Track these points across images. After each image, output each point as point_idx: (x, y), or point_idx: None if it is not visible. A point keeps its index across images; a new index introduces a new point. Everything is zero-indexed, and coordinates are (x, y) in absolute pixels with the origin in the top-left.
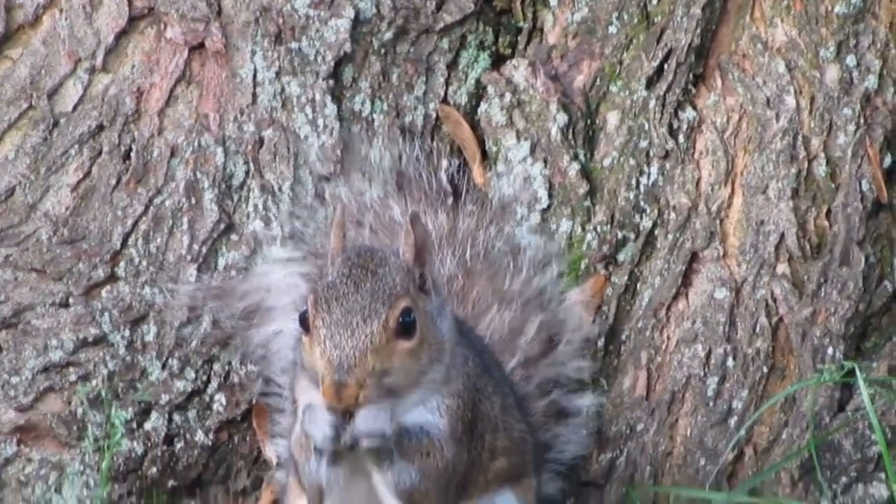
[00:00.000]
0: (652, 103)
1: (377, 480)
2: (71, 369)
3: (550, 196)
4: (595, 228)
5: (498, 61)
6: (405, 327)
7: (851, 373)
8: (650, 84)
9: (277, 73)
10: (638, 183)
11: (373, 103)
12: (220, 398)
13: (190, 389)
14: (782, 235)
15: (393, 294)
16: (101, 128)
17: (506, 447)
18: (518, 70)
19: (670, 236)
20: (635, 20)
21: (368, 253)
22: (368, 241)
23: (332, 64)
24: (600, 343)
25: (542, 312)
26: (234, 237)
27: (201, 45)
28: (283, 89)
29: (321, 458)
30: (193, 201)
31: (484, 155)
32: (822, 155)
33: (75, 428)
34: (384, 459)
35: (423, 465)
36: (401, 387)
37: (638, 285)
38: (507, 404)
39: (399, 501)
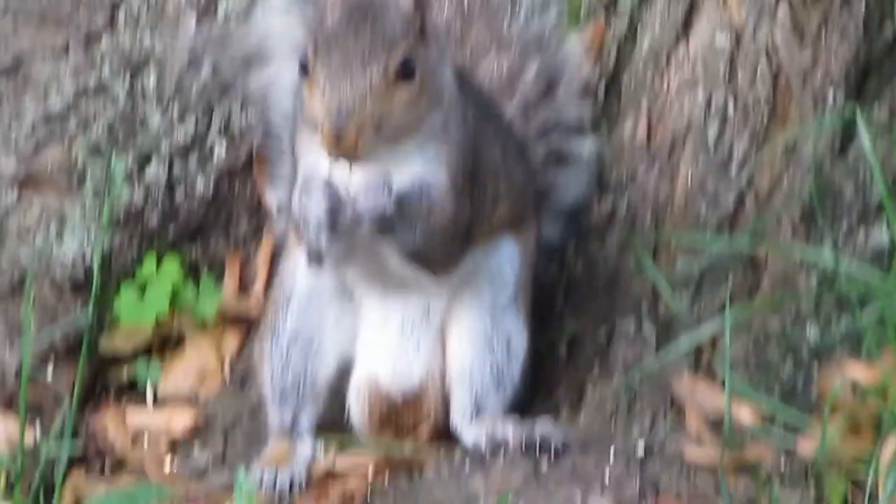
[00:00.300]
0: None
1: (381, 246)
2: (71, 118)
3: None
4: None
5: None
6: (405, 72)
7: (852, 117)
8: None
9: None
10: None
11: None
12: (221, 146)
13: (190, 137)
14: None
15: (392, 39)
16: None
17: (507, 192)
18: None
19: None
20: None
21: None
22: None
23: None
24: (600, 89)
25: (540, 56)
26: None
27: None
28: None
29: (321, 230)
30: None
31: None
32: None
33: (76, 176)
34: (386, 230)
35: (427, 224)
36: (399, 133)
37: (638, 31)
38: (507, 150)
39: (405, 261)
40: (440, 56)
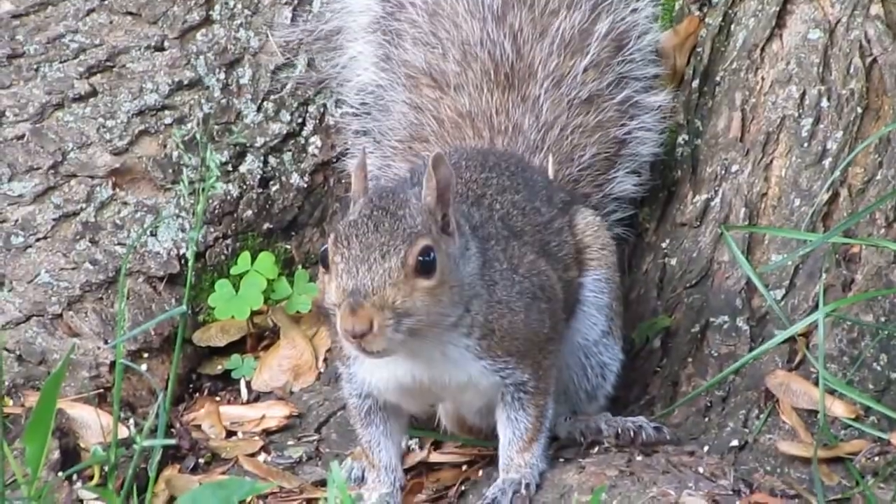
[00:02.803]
0: None
1: None
2: (166, 112)
3: None
4: None
5: None
6: (425, 266)
7: None
8: None
9: None
10: None
11: None
12: (315, 140)
13: (285, 132)
14: None
15: (413, 233)
16: None
17: (569, 264)
18: None
19: None
20: None
21: (390, 194)
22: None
23: None
24: (695, 84)
25: (611, 14)
26: None
27: None
28: None
29: None
30: None
31: None
32: None
33: (170, 171)
34: None
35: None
36: (420, 328)
37: (732, 26)
38: (548, 236)
39: None
40: (464, 251)
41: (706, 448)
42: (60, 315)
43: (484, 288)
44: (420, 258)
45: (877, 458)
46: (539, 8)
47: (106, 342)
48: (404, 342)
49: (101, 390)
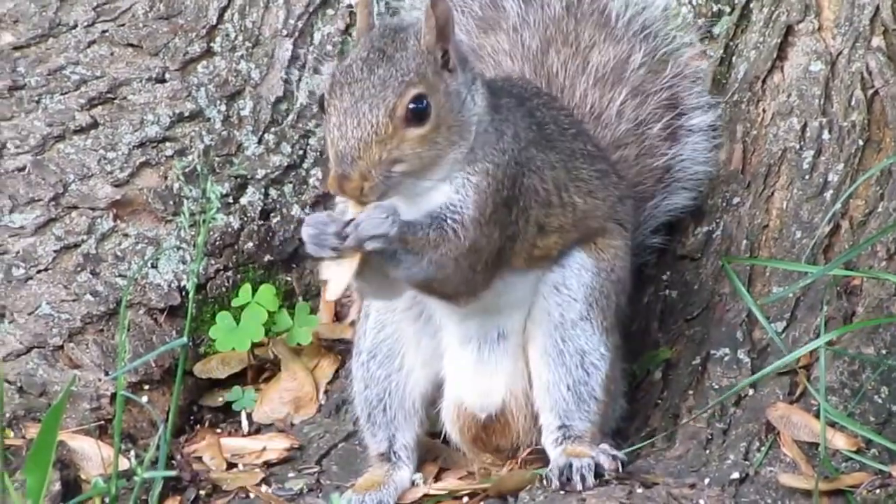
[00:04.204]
0: None
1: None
2: (167, 144)
3: None
4: (691, 1)
5: None
6: (416, 114)
7: None
8: None
9: None
10: None
11: None
12: (316, 172)
13: (286, 164)
14: (877, 8)
15: (404, 80)
16: None
17: (562, 224)
18: None
19: (766, 9)
20: None
21: (389, 35)
22: None
23: None
24: None
25: (649, 42)
26: (329, 11)
27: None
28: None
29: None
30: None
31: None
32: None
33: (171, 203)
34: (390, 259)
35: (436, 256)
36: (415, 172)
37: (733, 58)
38: (572, 179)
39: (416, 290)
40: (470, 86)
41: (707, 481)
42: (61, 347)
43: (493, 131)
44: (411, 107)
45: (878, 491)
46: (576, 45)
47: (107, 374)
48: (401, 183)
49: (102, 422)
